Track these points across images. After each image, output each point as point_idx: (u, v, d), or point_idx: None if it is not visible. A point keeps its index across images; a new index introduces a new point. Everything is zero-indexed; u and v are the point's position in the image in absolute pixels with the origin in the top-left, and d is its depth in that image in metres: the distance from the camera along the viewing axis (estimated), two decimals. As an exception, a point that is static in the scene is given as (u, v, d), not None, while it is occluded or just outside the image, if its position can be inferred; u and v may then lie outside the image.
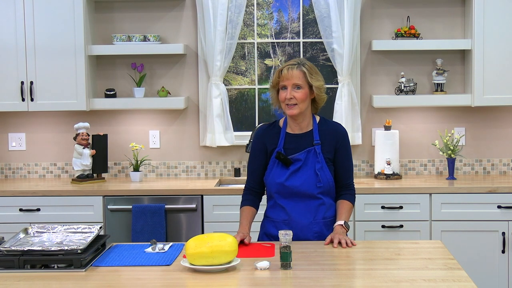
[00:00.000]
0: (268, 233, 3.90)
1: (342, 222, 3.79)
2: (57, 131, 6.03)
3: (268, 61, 6.07)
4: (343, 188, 3.93)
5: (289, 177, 3.82)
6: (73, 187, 5.53)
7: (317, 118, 3.93)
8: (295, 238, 3.73)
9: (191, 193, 5.38)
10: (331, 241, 3.69)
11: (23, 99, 5.65)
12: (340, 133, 3.91)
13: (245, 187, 4.03)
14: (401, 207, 5.31)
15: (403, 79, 5.75)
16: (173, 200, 5.37)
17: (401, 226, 5.30)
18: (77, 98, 5.66)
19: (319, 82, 3.84)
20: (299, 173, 3.83)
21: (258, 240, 3.96)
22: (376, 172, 5.74)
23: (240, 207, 3.97)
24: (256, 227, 4.00)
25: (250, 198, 3.98)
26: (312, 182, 3.81)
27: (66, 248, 3.37)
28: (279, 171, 3.84)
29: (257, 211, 3.98)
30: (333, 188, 3.88)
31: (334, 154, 3.87)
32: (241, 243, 3.70)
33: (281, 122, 3.95)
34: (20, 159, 6.06)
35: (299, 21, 6.01)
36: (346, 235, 3.77)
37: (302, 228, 3.80)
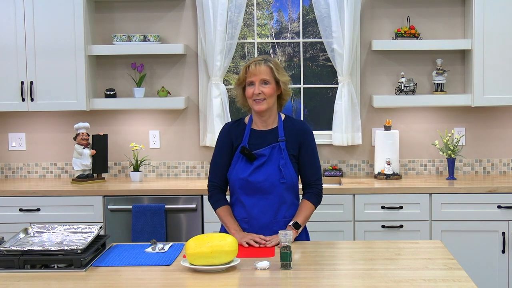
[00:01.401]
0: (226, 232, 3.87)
1: (291, 223, 3.78)
2: (57, 131, 6.03)
3: (268, 61, 6.06)
4: (308, 186, 3.93)
5: (253, 172, 3.82)
6: (73, 187, 5.53)
7: (283, 116, 3.95)
8: None
9: (191, 193, 5.38)
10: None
11: (23, 99, 5.65)
12: (304, 130, 3.92)
13: (209, 184, 3.99)
14: (401, 207, 5.31)
15: (403, 79, 5.75)
16: (173, 200, 5.37)
17: (401, 226, 5.30)
18: (77, 98, 5.66)
19: (285, 77, 3.88)
20: (263, 169, 3.82)
21: None
22: (376, 172, 5.74)
23: (216, 208, 3.95)
24: (217, 225, 3.99)
25: (221, 197, 3.96)
26: (276, 177, 3.81)
27: (66, 248, 3.37)
28: (243, 166, 3.84)
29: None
30: (297, 185, 3.88)
31: (298, 151, 3.88)
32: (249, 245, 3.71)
33: (246, 119, 3.97)
34: (20, 159, 6.06)
35: (299, 21, 6.01)
36: (298, 234, 3.76)
37: (262, 227, 3.80)
